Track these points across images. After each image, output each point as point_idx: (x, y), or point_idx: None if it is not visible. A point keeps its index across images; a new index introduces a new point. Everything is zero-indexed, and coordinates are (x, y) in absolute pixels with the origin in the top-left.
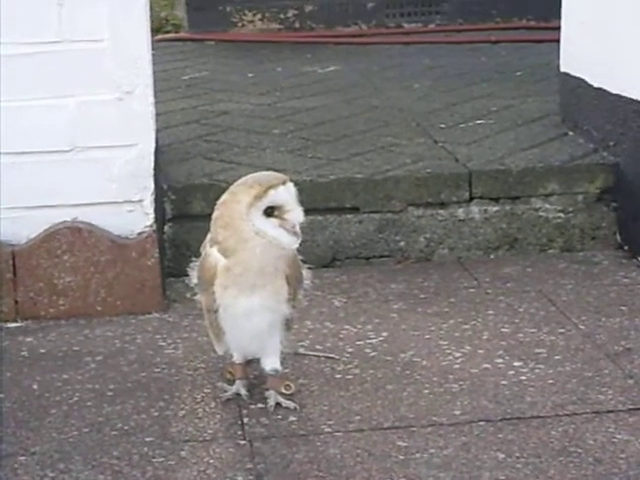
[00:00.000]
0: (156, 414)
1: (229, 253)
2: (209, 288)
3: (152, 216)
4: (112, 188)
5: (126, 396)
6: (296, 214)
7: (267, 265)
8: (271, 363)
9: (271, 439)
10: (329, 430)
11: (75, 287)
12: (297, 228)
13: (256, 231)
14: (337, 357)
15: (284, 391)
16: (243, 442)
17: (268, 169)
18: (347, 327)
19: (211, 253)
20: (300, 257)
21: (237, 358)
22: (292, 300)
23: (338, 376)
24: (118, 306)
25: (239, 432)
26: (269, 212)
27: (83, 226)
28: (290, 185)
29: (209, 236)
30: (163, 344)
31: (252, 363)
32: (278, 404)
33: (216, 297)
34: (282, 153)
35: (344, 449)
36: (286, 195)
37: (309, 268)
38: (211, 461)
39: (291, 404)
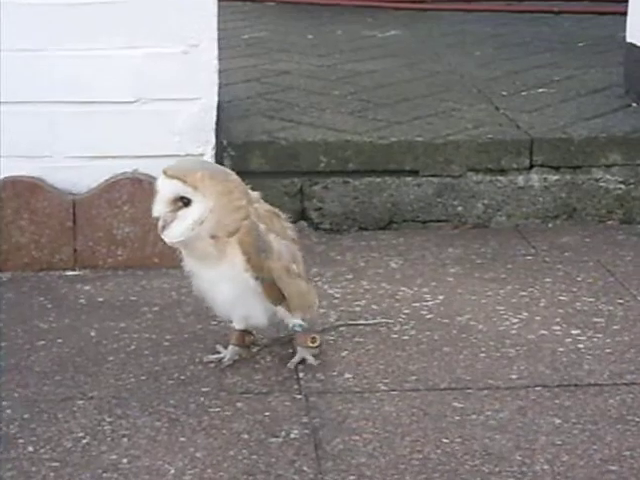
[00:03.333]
0: (212, 365)
1: None
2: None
3: None
4: (174, 141)
5: (183, 347)
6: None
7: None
8: (293, 320)
9: (326, 394)
10: (385, 388)
11: (134, 238)
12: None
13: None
14: (390, 321)
15: (310, 344)
16: (299, 396)
17: (328, 129)
18: (403, 289)
19: None
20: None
21: (235, 323)
22: (257, 271)
23: (394, 336)
24: (174, 259)
25: (295, 386)
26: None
27: (144, 178)
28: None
29: None
30: None
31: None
32: (303, 360)
33: (183, 263)
34: (342, 114)
35: (400, 407)
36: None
37: (328, 231)
38: (267, 413)
39: (314, 361)
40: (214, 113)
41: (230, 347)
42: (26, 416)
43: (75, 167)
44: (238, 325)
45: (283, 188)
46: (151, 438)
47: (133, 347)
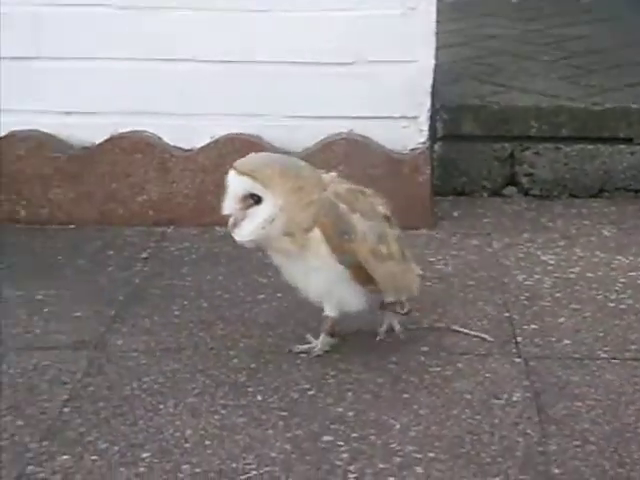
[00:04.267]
0: (427, 326)
1: None
2: None
3: (426, 133)
4: (389, 103)
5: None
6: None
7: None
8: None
9: (545, 360)
10: (605, 356)
11: None
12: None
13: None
14: (489, 339)
15: (399, 310)
16: (518, 360)
17: (540, 95)
18: (618, 257)
19: None
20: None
21: (328, 311)
22: (340, 254)
23: (611, 305)
24: None
25: (513, 350)
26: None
27: (359, 138)
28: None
29: None
30: (432, 259)
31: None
32: (391, 329)
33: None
34: (553, 80)
35: (621, 376)
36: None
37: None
38: (487, 375)
39: (400, 329)
40: (430, 76)
41: (322, 337)
42: (253, 365)
43: (292, 126)
44: (332, 313)
45: (493, 152)
46: (375, 393)
47: None
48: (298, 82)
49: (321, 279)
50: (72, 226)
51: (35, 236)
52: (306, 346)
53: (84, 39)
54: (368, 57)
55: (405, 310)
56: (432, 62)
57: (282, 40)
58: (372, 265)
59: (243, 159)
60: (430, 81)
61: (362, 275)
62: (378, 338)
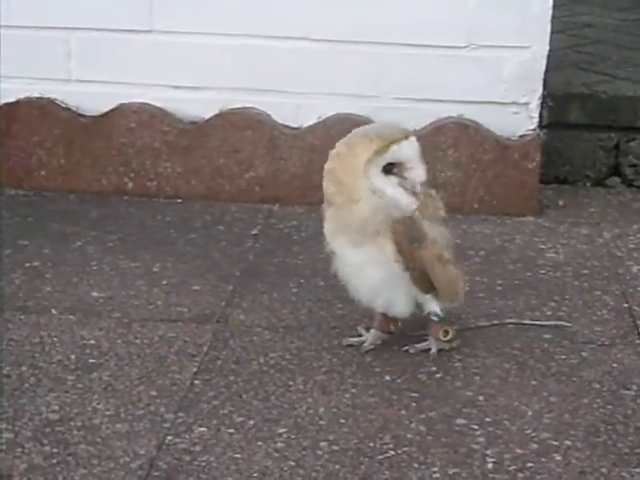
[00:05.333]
0: (549, 313)
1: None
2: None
3: (536, 120)
4: (501, 88)
5: (515, 292)
6: (418, 172)
7: (369, 226)
8: (431, 308)
9: None
10: None
11: (455, 182)
12: (417, 188)
13: (373, 189)
14: (568, 324)
15: (442, 337)
16: None
17: None
18: None
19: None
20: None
21: (377, 308)
22: (407, 261)
23: None
24: (495, 205)
25: (637, 341)
26: (388, 169)
27: (469, 123)
28: (413, 140)
29: None
30: (543, 247)
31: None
32: (428, 349)
33: (327, 241)
34: None
35: None
36: (409, 151)
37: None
38: (614, 365)
39: (436, 353)
40: (544, 63)
41: (372, 331)
42: (376, 346)
43: (400, 108)
44: (378, 309)
45: (599, 142)
46: (502, 379)
47: (467, 289)
48: (409, 64)
49: (377, 275)
50: (179, 200)
51: (144, 209)
52: (356, 339)
53: (196, 14)
54: (482, 42)
55: (448, 337)
56: (546, 48)
57: (394, 21)
58: (436, 270)
59: (379, 129)
60: (543, 68)
61: (424, 281)
62: (406, 349)
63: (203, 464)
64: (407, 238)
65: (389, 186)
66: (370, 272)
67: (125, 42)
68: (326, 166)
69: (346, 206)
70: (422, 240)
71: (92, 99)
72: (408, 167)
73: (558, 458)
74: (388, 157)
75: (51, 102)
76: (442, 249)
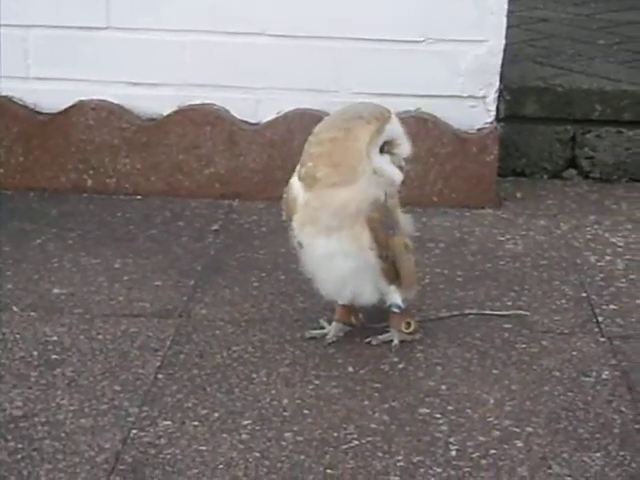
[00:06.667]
0: (509, 303)
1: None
2: (289, 222)
3: (494, 113)
4: (458, 82)
5: (475, 283)
6: (405, 147)
7: (348, 208)
8: (393, 300)
9: (629, 339)
10: None
11: (414, 176)
12: (403, 163)
13: (375, 169)
14: (527, 313)
15: (404, 329)
16: (602, 339)
17: (602, 78)
18: None
19: (292, 185)
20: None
21: (340, 300)
22: (381, 249)
23: None
24: (453, 198)
25: (595, 329)
26: (382, 148)
27: (427, 117)
28: (395, 116)
29: (297, 167)
30: (502, 239)
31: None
32: (390, 341)
33: (295, 233)
34: (612, 64)
35: None
36: (398, 128)
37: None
38: (574, 353)
39: (398, 344)
40: (500, 56)
41: (334, 323)
42: (338, 338)
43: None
44: (343, 301)
45: (555, 135)
46: (464, 368)
47: (427, 280)
48: (367, 59)
49: (348, 265)
50: (139, 197)
51: (104, 206)
52: (318, 331)
53: (154, 10)
54: (438, 36)
55: (410, 330)
56: (503, 42)
57: (351, 16)
58: (403, 258)
59: (368, 110)
60: (500, 61)
61: (392, 270)
62: (369, 340)
63: (168, 457)
64: (383, 225)
65: (385, 164)
66: (339, 262)
67: (82, 39)
68: (312, 150)
69: (343, 185)
70: (396, 227)
71: (50, 96)
72: (397, 143)
73: (520, 444)
74: (385, 136)
75: (9, 100)
76: (407, 236)
